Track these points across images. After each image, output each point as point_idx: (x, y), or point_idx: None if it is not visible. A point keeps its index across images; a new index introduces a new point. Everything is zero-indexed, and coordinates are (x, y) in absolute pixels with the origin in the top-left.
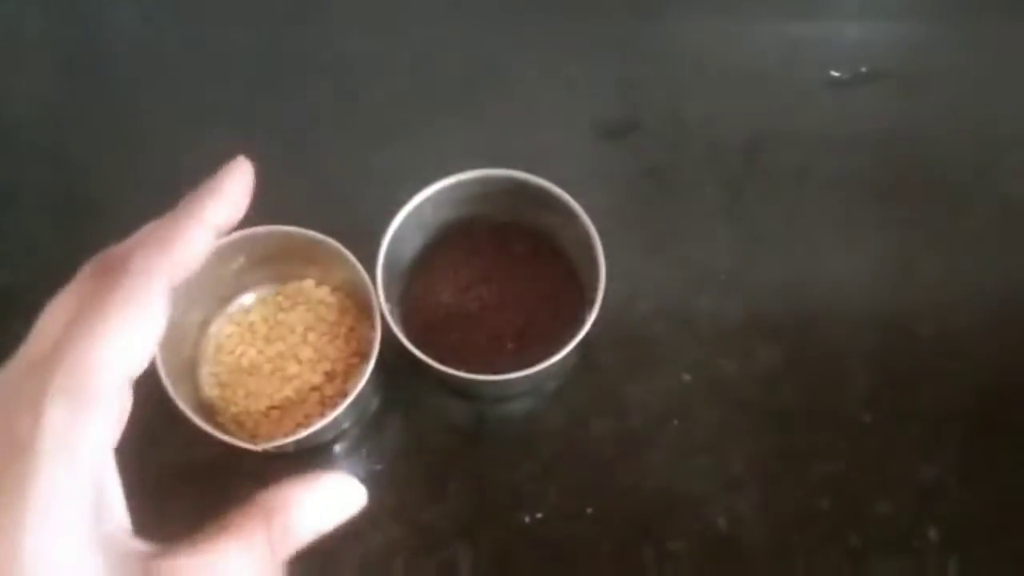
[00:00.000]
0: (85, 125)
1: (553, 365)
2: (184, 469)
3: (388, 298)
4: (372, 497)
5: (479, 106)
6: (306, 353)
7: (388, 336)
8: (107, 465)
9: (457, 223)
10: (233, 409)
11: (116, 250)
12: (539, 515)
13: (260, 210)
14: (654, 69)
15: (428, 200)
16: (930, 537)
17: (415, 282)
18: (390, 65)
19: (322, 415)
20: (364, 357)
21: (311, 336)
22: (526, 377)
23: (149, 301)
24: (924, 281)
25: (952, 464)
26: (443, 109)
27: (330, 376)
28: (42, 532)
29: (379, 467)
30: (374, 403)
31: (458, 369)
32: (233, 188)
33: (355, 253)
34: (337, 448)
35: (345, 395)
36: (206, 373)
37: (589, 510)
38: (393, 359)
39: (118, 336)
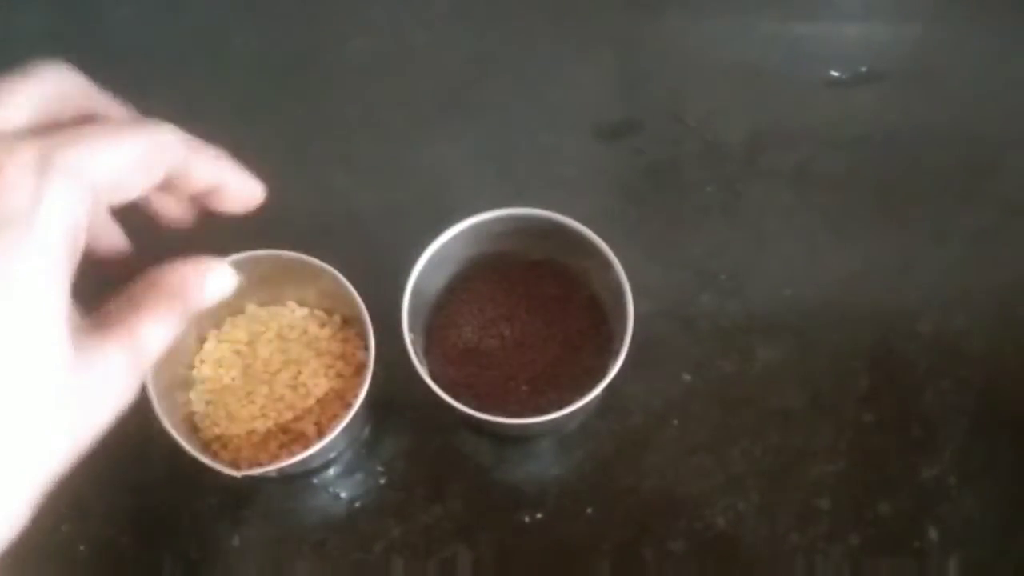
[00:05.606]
0: None
1: (572, 412)
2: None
3: (412, 327)
4: (372, 497)
5: (479, 106)
6: (298, 378)
7: (405, 362)
8: (73, 259)
9: (489, 257)
10: (216, 430)
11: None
12: (539, 515)
13: (262, 222)
14: (654, 69)
15: (462, 233)
16: (930, 537)
17: (440, 312)
18: (390, 65)
19: (307, 444)
20: (358, 386)
21: (306, 362)
22: (542, 423)
23: (158, 145)
24: (924, 281)
25: (952, 464)
26: (443, 109)
27: (321, 403)
28: (32, 305)
29: (379, 467)
30: (364, 432)
31: (468, 405)
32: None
33: (362, 263)
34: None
35: (334, 423)
36: (196, 391)
37: (589, 510)
38: (389, 377)
39: (124, 153)
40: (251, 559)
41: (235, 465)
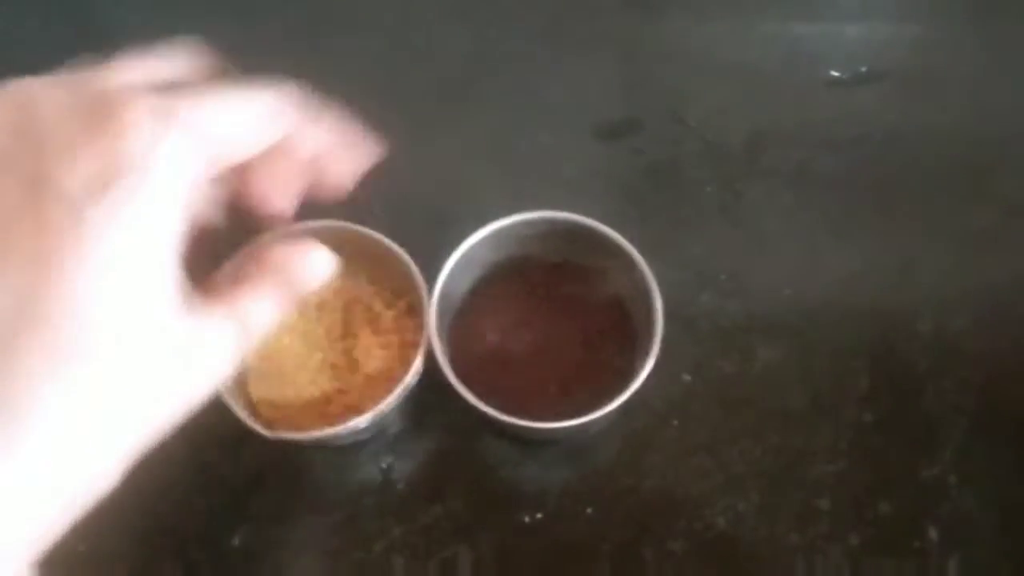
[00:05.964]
0: None
1: (604, 414)
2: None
3: (439, 332)
4: (372, 497)
5: (479, 106)
6: (352, 352)
7: (431, 368)
8: (188, 216)
9: (511, 261)
10: (266, 390)
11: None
12: (539, 515)
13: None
14: (654, 69)
15: (487, 237)
16: (930, 537)
17: (463, 317)
18: (390, 65)
19: (346, 418)
20: (405, 368)
21: (363, 337)
22: (571, 427)
23: (278, 110)
24: (924, 281)
25: (952, 464)
26: (443, 109)
27: (369, 380)
28: (146, 257)
29: (380, 467)
30: (398, 424)
31: (495, 409)
32: None
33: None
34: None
35: (378, 401)
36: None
37: (589, 510)
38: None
39: (244, 109)
40: (251, 559)
41: (272, 427)
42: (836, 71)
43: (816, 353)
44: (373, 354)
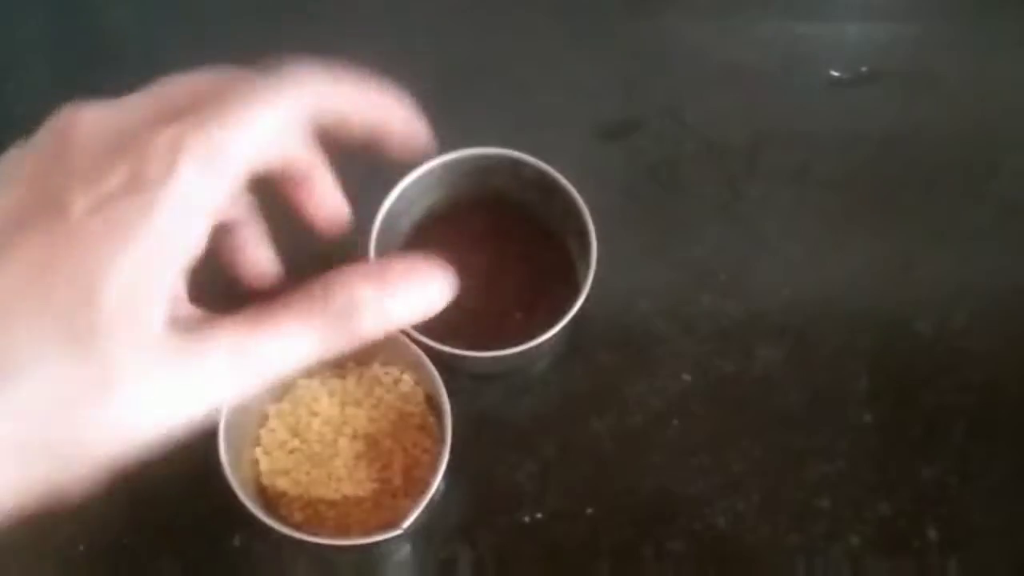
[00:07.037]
0: None
1: (541, 344)
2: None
3: None
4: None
5: (479, 105)
6: (367, 447)
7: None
8: (201, 239)
9: (446, 204)
10: (287, 493)
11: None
12: (539, 515)
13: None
14: (654, 69)
15: (418, 179)
16: (930, 537)
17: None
18: (390, 64)
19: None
20: (427, 451)
21: (379, 427)
22: (516, 354)
23: (288, 107)
24: (924, 281)
25: (952, 464)
26: (442, 108)
27: (392, 468)
28: (135, 273)
29: None
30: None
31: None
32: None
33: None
34: None
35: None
36: (260, 454)
37: (589, 510)
38: None
39: (257, 128)
40: (251, 559)
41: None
42: (836, 71)
43: (816, 353)
44: (399, 450)
